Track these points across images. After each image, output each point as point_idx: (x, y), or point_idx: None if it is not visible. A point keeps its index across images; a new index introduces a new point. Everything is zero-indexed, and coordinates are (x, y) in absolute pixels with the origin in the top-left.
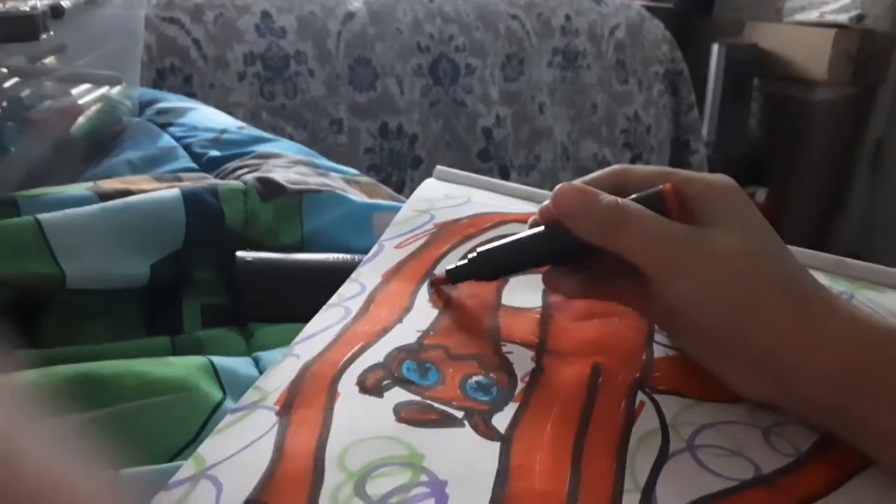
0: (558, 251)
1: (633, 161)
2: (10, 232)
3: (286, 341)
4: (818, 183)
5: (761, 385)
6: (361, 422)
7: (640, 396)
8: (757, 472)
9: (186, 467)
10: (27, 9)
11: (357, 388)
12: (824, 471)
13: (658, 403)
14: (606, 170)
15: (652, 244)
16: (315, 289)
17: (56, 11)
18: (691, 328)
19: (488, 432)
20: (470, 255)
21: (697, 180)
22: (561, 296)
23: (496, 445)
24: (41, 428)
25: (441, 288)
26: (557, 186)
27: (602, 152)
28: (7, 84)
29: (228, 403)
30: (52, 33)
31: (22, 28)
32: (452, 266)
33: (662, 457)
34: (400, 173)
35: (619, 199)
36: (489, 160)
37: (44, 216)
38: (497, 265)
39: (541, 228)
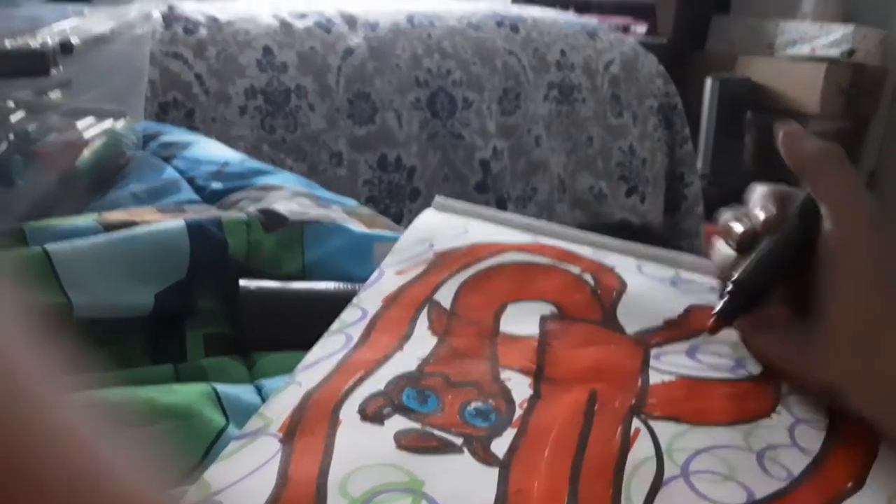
0: (793, 256)
1: (627, 194)
2: (20, 262)
3: (288, 369)
4: None
5: (842, 366)
6: (363, 449)
7: (636, 423)
8: (749, 497)
9: (191, 493)
10: (38, 45)
11: (358, 416)
12: (815, 495)
13: (653, 430)
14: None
15: (856, 195)
16: (317, 317)
17: (65, 48)
18: (803, 313)
19: (487, 458)
20: (729, 291)
21: None
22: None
23: (495, 471)
24: (116, 446)
25: (441, 315)
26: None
27: (598, 185)
28: (14, 118)
29: (231, 430)
30: (61, 69)
31: (33, 64)
32: (717, 309)
33: (657, 483)
34: (398, 205)
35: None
36: (486, 192)
37: (51, 246)
38: (757, 289)
39: (772, 243)
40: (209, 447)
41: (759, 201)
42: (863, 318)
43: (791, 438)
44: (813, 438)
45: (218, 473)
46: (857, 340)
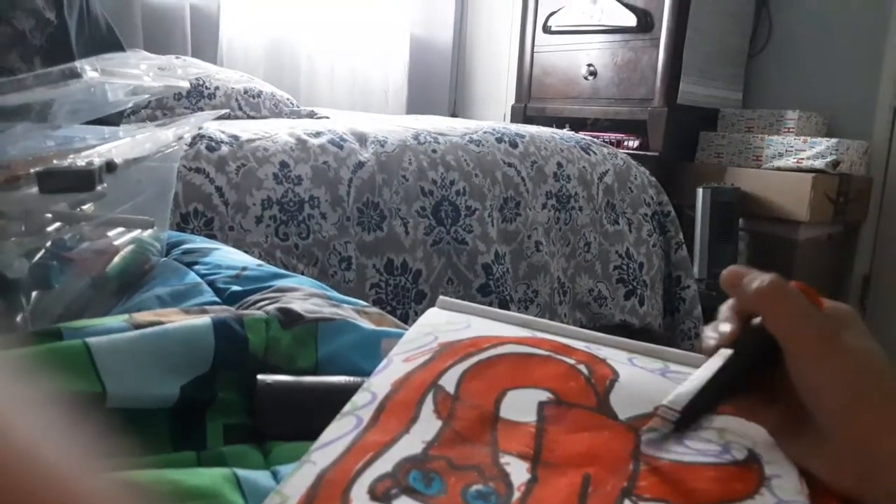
0: (740, 377)
1: (626, 296)
2: (61, 353)
3: (300, 457)
4: None
5: (854, 475)
6: None
7: None
8: None
9: None
10: (86, 165)
11: (368, 497)
12: None
13: None
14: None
15: (799, 320)
16: (329, 408)
17: (110, 167)
18: (805, 419)
19: None
20: (671, 417)
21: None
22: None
23: None
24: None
25: (445, 400)
26: (728, 273)
27: (597, 287)
28: (51, 228)
29: None
30: (105, 185)
31: (81, 180)
32: (655, 434)
33: None
34: (404, 307)
35: (778, 278)
36: (489, 294)
37: (91, 340)
38: (695, 413)
39: (719, 363)
40: None
41: (721, 316)
42: (857, 433)
43: None
44: None
45: None
46: (859, 455)
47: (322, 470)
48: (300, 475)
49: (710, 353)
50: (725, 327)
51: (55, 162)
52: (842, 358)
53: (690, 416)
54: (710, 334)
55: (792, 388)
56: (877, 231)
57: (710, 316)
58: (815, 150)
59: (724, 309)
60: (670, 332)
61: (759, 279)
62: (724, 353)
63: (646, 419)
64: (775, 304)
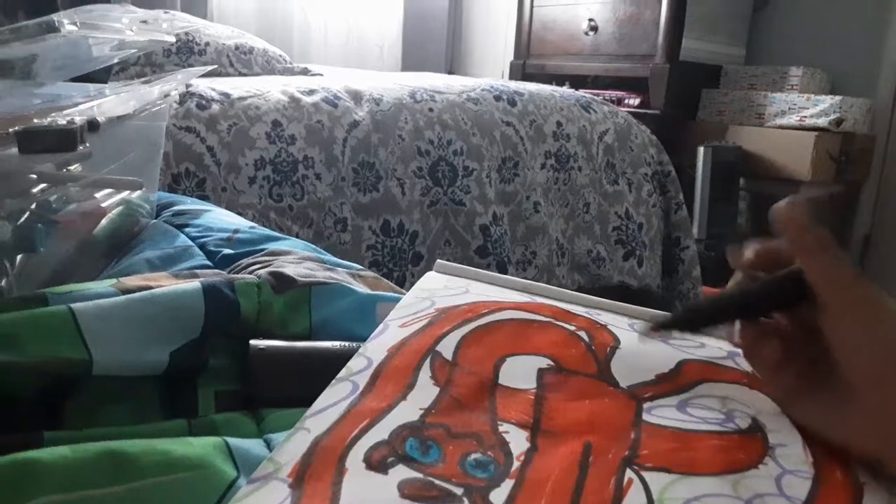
0: (756, 304)
1: (625, 258)
2: (46, 319)
3: (294, 425)
4: None
5: (881, 439)
6: (367, 497)
7: (629, 473)
8: None
9: None
10: (67, 123)
11: (363, 465)
12: None
13: (645, 480)
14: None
15: (847, 280)
16: (324, 374)
17: (92, 126)
18: (827, 380)
19: None
20: (680, 313)
21: None
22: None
23: None
24: None
25: (443, 367)
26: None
27: (596, 248)
28: (36, 189)
29: (242, 481)
30: (87, 145)
31: (61, 141)
32: (661, 320)
33: None
34: (401, 269)
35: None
36: (487, 256)
37: (76, 305)
38: (702, 320)
39: (739, 283)
40: (221, 497)
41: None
42: (891, 398)
43: (778, 488)
44: (800, 487)
45: None
46: (890, 419)
47: (316, 437)
48: (294, 442)
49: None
50: (759, 251)
51: (35, 121)
52: (886, 321)
53: (698, 318)
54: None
55: (813, 348)
56: (878, 190)
57: (708, 277)
58: (818, 108)
59: (765, 245)
60: (669, 293)
61: (816, 231)
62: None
63: (647, 387)
64: (825, 262)
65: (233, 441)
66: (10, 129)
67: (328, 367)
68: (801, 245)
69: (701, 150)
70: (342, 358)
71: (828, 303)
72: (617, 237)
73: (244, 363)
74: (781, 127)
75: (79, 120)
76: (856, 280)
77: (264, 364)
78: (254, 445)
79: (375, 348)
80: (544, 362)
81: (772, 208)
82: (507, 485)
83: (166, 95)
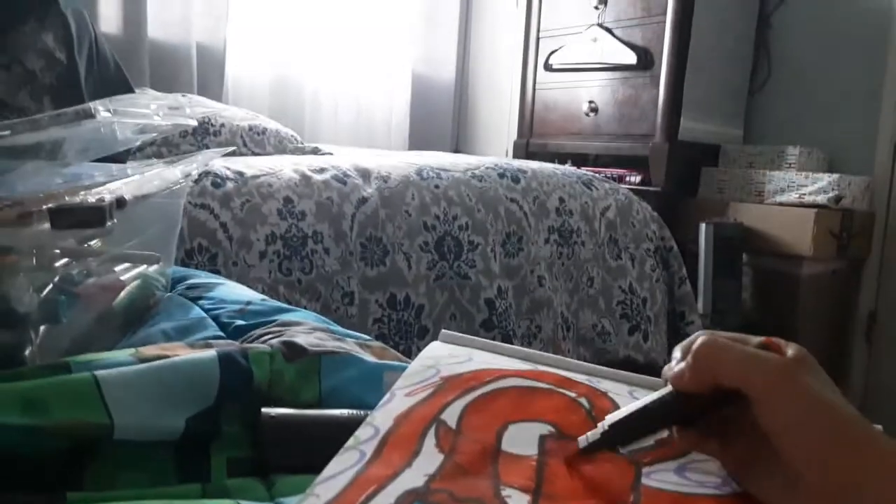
0: (682, 413)
1: (630, 332)
2: (72, 385)
3: (304, 489)
4: (816, 355)
5: None
6: None
7: None
8: None
9: None
10: (97, 200)
11: None
12: None
13: None
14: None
15: (749, 366)
16: (332, 441)
17: (120, 203)
18: (772, 461)
19: None
20: (601, 428)
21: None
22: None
23: None
24: None
25: (447, 434)
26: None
27: (601, 322)
28: (59, 263)
29: None
30: (115, 221)
31: (92, 217)
32: (585, 442)
33: None
34: (407, 342)
35: (707, 336)
36: (492, 330)
37: (100, 372)
38: (626, 434)
39: (663, 393)
40: None
41: (679, 346)
42: (834, 481)
43: None
44: None
45: None
46: (833, 498)
47: (325, 503)
48: None
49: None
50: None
51: (66, 199)
52: (814, 408)
53: (623, 434)
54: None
55: (753, 429)
56: (881, 267)
57: None
58: (817, 186)
59: (684, 343)
60: None
61: (693, 353)
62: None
63: (647, 452)
64: (718, 359)
65: None
66: (44, 206)
67: (337, 435)
68: (697, 366)
69: (703, 226)
70: (350, 426)
71: (749, 392)
72: (622, 311)
73: (256, 430)
74: (781, 204)
75: (108, 198)
76: (764, 363)
77: (275, 431)
78: None
79: (382, 417)
80: (546, 429)
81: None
82: None
83: (187, 175)
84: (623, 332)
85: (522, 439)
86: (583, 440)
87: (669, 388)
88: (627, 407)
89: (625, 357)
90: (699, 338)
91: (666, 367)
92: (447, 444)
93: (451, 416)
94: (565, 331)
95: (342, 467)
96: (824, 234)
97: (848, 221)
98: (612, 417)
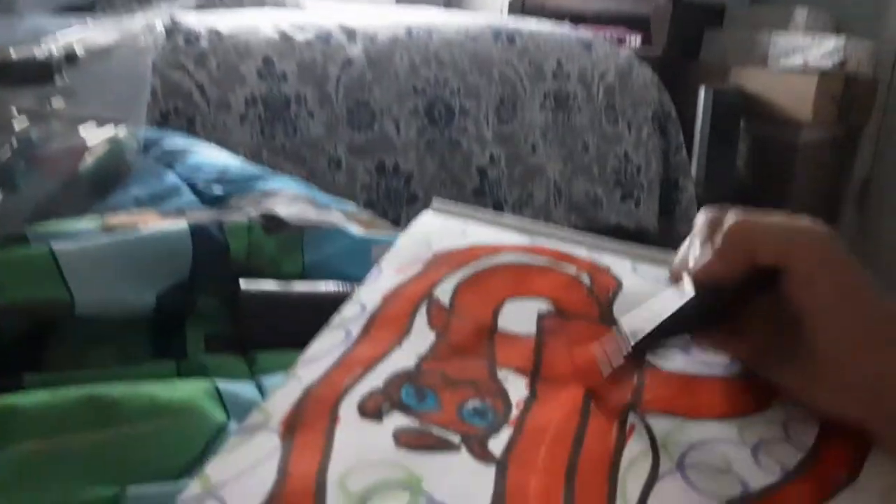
0: (709, 313)
1: (623, 198)
2: (26, 259)
3: (287, 366)
4: None
5: (860, 407)
6: (362, 446)
7: (631, 418)
8: (744, 489)
9: (193, 486)
10: (42, 55)
11: (357, 413)
12: (809, 488)
13: (648, 425)
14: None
15: (791, 239)
16: (317, 316)
17: (70, 58)
18: (794, 348)
19: (484, 456)
20: (625, 350)
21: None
22: (724, 354)
23: (492, 469)
24: None
25: (440, 313)
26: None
27: (594, 190)
28: (17, 124)
29: (231, 426)
30: (65, 78)
31: (37, 73)
32: (609, 368)
33: (653, 477)
34: (396, 210)
35: (738, 214)
36: (484, 197)
37: (57, 245)
38: (650, 348)
39: (683, 295)
40: (209, 442)
41: (697, 233)
42: (866, 364)
43: (785, 433)
44: (806, 433)
45: (219, 467)
46: (869, 386)
47: (308, 385)
48: (285, 391)
49: (677, 277)
50: (690, 259)
51: (12, 54)
52: (858, 285)
53: (644, 347)
54: (684, 256)
55: (779, 315)
56: (879, 135)
57: None
58: (822, 50)
59: (700, 225)
60: (665, 235)
61: (711, 229)
62: (689, 289)
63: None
64: (755, 235)
65: (222, 384)
66: None
67: (322, 309)
68: (737, 242)
69: (702, 91)
70: (336, 299)
71: (795, 271)
72: (615, 179)
73: (234, 305)
74: (784, 69)
75: (56, 52)
76: (823, 242)
77: (255, 305)
78: (244, 388)
79: (370, 294)
80: (544, 307)
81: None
82: (506, 433)
83: (151, 27)
84: (615, 200)
85: (520, 318)
86: (605, 367)
87: (687, 289)
88: (643, 309)
89: (615, 224)
90: (727, 219)
91: (680, 261)
92: (440, 322)
93: (443, 293)
94: (557, 199)
95: (327, 347)
96: (825, 100)
97: (850, 87)
98: (631, 327)
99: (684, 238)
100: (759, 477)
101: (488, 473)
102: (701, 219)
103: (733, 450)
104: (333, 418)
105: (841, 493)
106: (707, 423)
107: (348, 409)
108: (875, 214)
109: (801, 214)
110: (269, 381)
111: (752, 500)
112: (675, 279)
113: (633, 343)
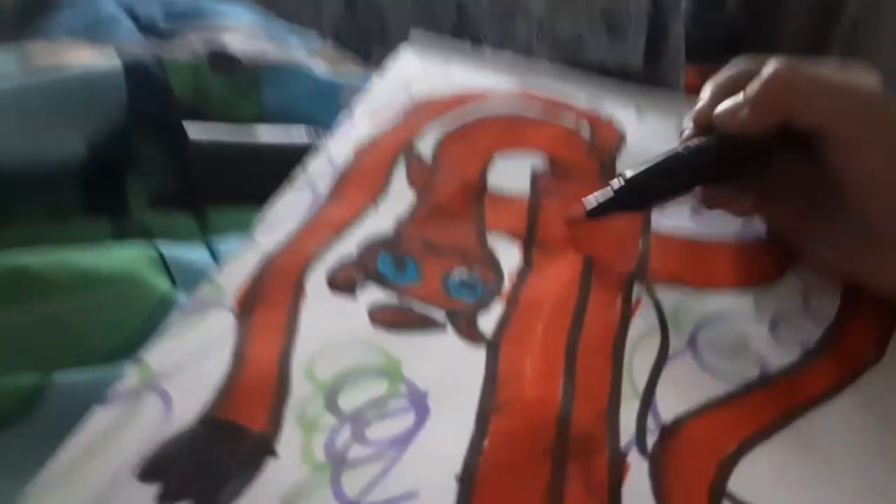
0: (720, 165)
1: (609, 34)
2: None
3: (245, 226)
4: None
5: None
6: (332, 325)
7: (637, 290)
8: (763, 370)
9: (129, 378)
10: None
11: (326, 286)
12: (830, 370)
13: (656, 297)
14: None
15: (840, 99)
16: (278, 169)
17: None
18: (856, 220)
19: (473, 336)
20: (615, 184)
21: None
22: (730, 213)
23: (482, 350)
24: None
25: (421, 169)
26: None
27: (579, 26)
28: None
29: (179, 297)
30: None
31: None
32: (593, 201)
33: (662, 358)
34: (366, 47)
35: (782, 62)
36: (462, 35)
37: None
38: (649, 192)
39: (697, 142)
40: (151, 316)
41: (724, 80)
42: None
43: (804, 306)
44: (827, 305)
45: (161, 353)
46: None
47: (269, 254)
48: (241, 261)
49: (699, 125)
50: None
51: None
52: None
53: (641, 193)
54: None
55: (813, 180)
56: None
57: (694, 55)
58: None
59: (731, 77)
60: (650, 76)
61: (746, 74)
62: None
63: None
64: (798, 90)
65: (167, 249)
66: None
67: (284, 162)
68: (776, 95)
69: None
70: (300, 152)
71: (841, 137)
72: (601, 16)
73: (182, 155)
74: None
75: None
76: (877, 106)
77: (206, 155)
78: (194, 253)
79: (339, 146)
80: (539, 163)
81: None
82: (498, 307)
83: None
84: (601, 36)
85: (511, 175)
86: (590, 200)
87: (689, 140)
88: (647, 161)
89: (599, 60)
90: (768, 66)
91: (700, 110)
92: (421, 179)
93: (425, 146)
94: (539, 35)
95: (289, 208)
96: None
97: None
98: (631, 172)
99: (671, 79)
100: (778, 356)
101: (478, 356)
102: (732, 67)
103: (749, 325)
104: (298, 293)
105: (866, 374)
106: (720, 295)
107: (315, 282)
108: (864, 54)
109: (854, 64)
110: (223, 244)
111: (771, 382)
112: (693, 130)
113: (626, 176)
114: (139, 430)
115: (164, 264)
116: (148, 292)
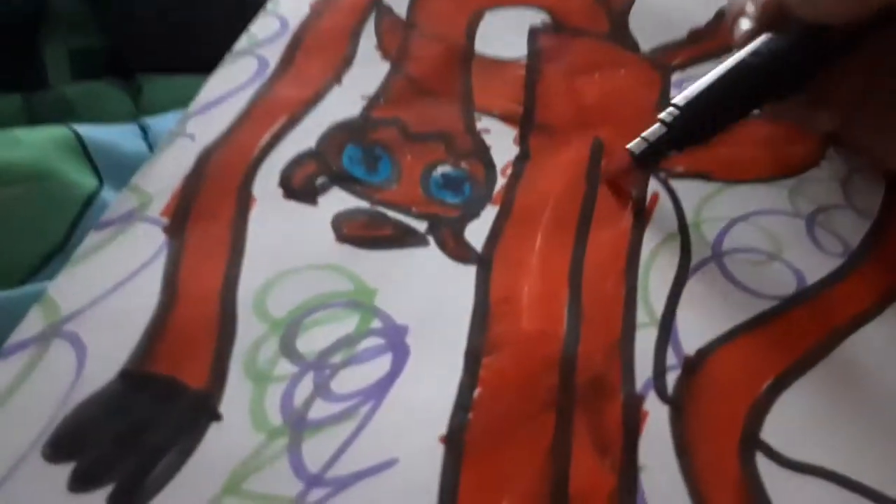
0: (805, 70)
1: None
2: None
3: (186, 100)
4: None
5: None
6: (287, 244)
7: (653, 184)
8: (800, 283)
9: (32, 320)
10: None
11: (280, 191)
12: (878, 278)
13: (675, 193)
14: None
15: None
16: (223, 28)
17: None
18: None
19: (460, 252)
20: (667, 117)
21: None
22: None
23: (471, 270)
24: None
25: (394, 29)
26: None
27: None
28: None
29: (108, 195)
30: None
31: None
32: (642, 144)
33: (683, 272)
34: None
35: None
36: None
37: None
38: (714, 121)
39: (766, 41)
40: (74, 222)
41: None
42: None
43: (845, 195)
44: (871, 192)
45: (70, 287)
46: None
47: (205, 148)
48: (170, 157)
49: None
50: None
51: None
52: None
53: (703, 121)
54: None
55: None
56: None
57: None
58: None
59: None
60: None
61: None
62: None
63: (677, 49)
64: None
65: (87, 131)
66: None
67: (229, 16)
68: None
69: None
70: (243, 6)
71: None
72: None
73: (107, 8)
74: None
75: None
76: None
77: (137, 10)
78: (123, 135)
79: (292, 2)
80: (537, 17)
81: None
82: (490, 214)
83: None
84: None
85: (504, 34)
86: (638, 143)
87: (749, 38)
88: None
89: None
90: None
91: None
92: (394, 44)
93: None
94: None
95: (230, 87)
96: None
97: None
98: (682, 96)
99: None
100: (817, 263)
101: (466, 277)
102: None
103: (784, 225)
104: (244, 200)
105: None
106: (750, 188)
107: (266, 185)
108: None
109: None
110: (159, 123)
111: (808, 297)
112: (756, 23)
113: (680, 105)
114: (44, 391)
115: (86, 152)
116: (68, 191)
